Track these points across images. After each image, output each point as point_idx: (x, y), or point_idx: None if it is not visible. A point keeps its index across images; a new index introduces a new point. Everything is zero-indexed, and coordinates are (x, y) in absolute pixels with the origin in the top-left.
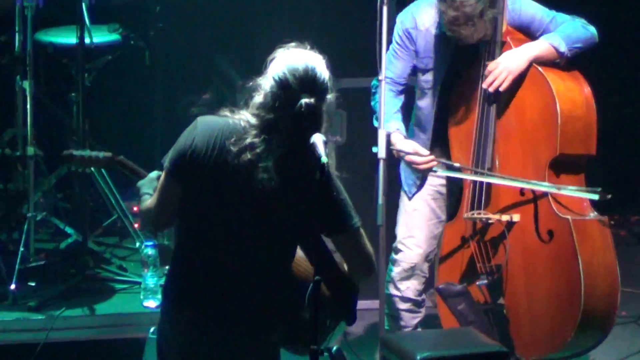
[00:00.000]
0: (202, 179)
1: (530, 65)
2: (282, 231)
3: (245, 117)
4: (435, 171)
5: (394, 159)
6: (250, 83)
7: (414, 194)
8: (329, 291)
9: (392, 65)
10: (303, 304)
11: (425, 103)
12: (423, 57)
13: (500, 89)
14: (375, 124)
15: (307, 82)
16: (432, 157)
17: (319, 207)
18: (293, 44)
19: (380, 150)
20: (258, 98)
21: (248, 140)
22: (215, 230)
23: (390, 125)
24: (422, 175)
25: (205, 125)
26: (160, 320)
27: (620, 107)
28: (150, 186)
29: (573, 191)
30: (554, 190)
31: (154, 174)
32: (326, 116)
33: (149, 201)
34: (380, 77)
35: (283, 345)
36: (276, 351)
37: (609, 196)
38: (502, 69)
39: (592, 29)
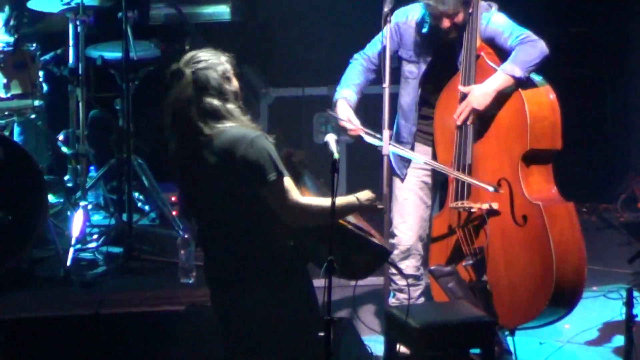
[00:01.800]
0: (180, 176)
1: (494, 98)
2: (218, 202)
3: None
4: (362, 138)
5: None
6: None
7: (405, 175)
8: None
9: (374, 46)
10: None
11: (408, 92)
12: (409, 48)
13: (468, 123)
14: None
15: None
16: (360, 126)
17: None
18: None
19: (384, 147)
20: None
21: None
22: (196, 214)
23: (342, 92)
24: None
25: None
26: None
27: (591, 109)
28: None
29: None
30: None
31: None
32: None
33: None
34: (384, 85)
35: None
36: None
37: (502, 192)
38: (469, 108)
39: (541, 45)
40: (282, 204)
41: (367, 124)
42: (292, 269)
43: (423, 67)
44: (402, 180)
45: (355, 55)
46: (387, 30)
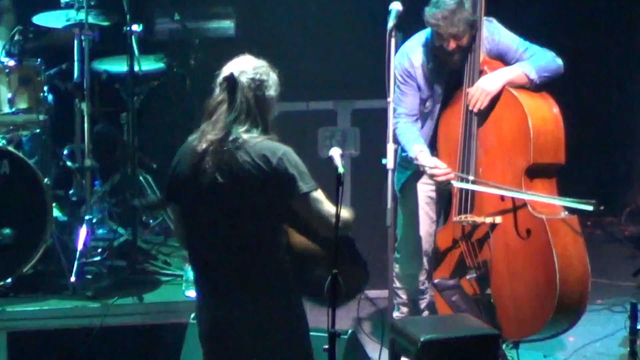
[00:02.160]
0: (186, 194)
1: (504, 87)
2: (245, 218)
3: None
4: (450, 184)
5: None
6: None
7: (400, 191)
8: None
9: (403, 103)
10: (314, 265)
11: (426, 127)
12: (423, 89)
13: (481, 108)
14: (404, 153)
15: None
16: (449, 169)
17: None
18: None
19: (389, 162)
20: None
21: (203, 146)
22: (206, 231)
23: (414, 148)
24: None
25: (183, 148)
26: (197, 312)
27: (595, 122)
28: None
29: (569, 202)
30: (553, 202)
31: None
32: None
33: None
34: (388, 99)
35: (309, 299)
36: (298, 312)
37: (602, 208)
38: (480, 91)
39: (560, 62)
40: (317, 214)
41: (372, 138)
42: (291, 283)
43: (437, 100)
44: (401, 192)
45: (395, 120)
46: (392, 43)
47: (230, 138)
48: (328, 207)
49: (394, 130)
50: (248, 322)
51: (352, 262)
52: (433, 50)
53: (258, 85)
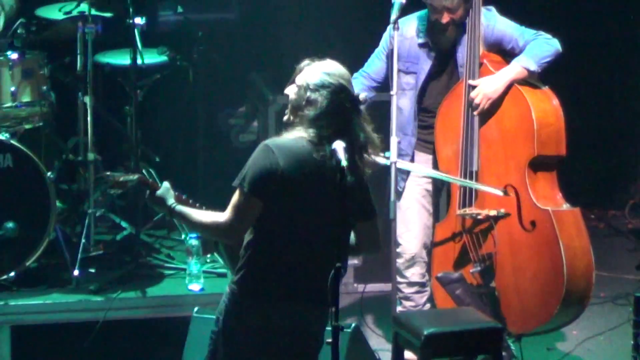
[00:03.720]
0: (288, 193)
1: (507, 88)
2: (341, 225)
3: (303, 134)
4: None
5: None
6: (283, 101)
7: (403, 188)
8: None
9: (373, 64)
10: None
11: (405, 103)
12: (405, 60)
13: (475, 113)
14: None
15: (349, 81)
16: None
17: (344, 201)
18: (311, 60)
19: (392, 155)
20: (314, 111)
21: (324, 150)
22: (298, 233)
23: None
24: (407, 176)
25: (282, 148)
26: (237, 313)
27: (598, 116)
28: (170, 195)
29: (486, 188)
30: (467, 185)
31: (166, 184)
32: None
33: (209, 217)
34: (392, 92)
35: None
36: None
37: (509, 194)
38: (482, 96)
39: (555, 42)
40: (377, 236)
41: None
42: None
43: (421, 76)
44: (401, 193)
45: (355, 74)
46: (395, 37)
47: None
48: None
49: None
50: (311, 334)
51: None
52: (428, 27)
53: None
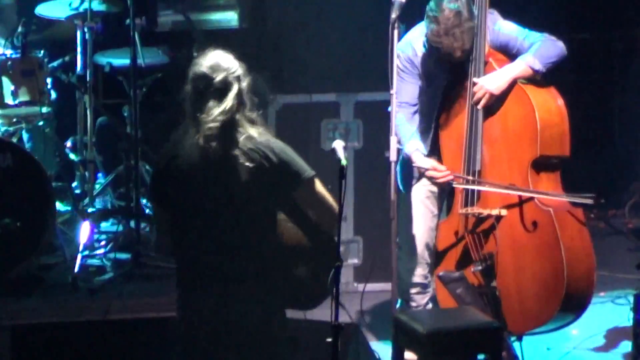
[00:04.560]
0: (183, 189)
1: (510, 85)
2: (242, 205)
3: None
4: (451, 184)
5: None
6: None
7: (407, 192)
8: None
9: (403, 91)
10: (295, 265)
11: (424, 118)
12: (423, 78)
13: (479, 107)
14: (400, 146)
15: (215, 67)
16: (448, 172)
17: (341, 202)
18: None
19: (392, 154)
20: (186, 101)
21: (190, 138)
22: (199, 225)
23: (410, 145)
24: (417, 177)
25: (165, 149)
26: (180, 310)
27: (598, 115)
28: None
29: (569, 197)
30: (556, 198)
31: None
32: (240, 94)
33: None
34: (391, 91)
35: (289, 306)
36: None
37: (603, 200)
38: (484, 90)
39: (561, 44)
40: (321, 199)
41: (375, 131)
42: (279, 272)
43: (438, 92)
44: (405, 194)
45: (397, 109)
46: (395, 36)
47: (233, 135)
48: (328, 194)
49: (394, 124)
50: (238, 317)
51: (331, 263)
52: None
53: (243, 79)
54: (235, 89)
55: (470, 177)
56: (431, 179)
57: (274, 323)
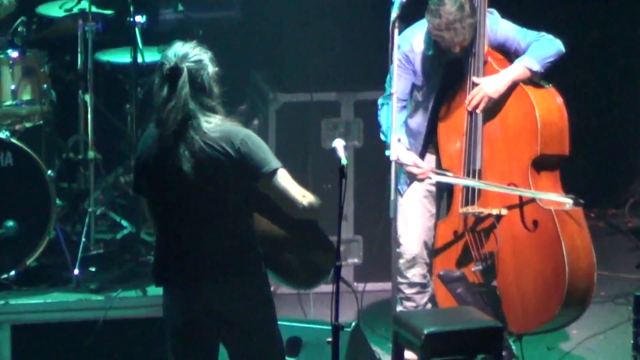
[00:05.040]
0: (153, 182)
1: (508, 88)
2: (211, 197)
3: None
4: (430, 178)
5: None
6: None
7: (404, 192)
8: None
9: (396, 86)
10: (281, 250)
11: (418, 115)
12: (419, 75)
13: (477, 111)
14: (382, 137)
15: (170, 54)
16: (427, 168)
17: (341, 201)
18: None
19: (392, 153)
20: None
21: (157, 131)
22: (171, 214)
23: (394, 136)
24: (411, 178)
25: (143, 141)
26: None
27: (598, 114)
28: None
29: (552, 196)
30: (531, 195)
31: None
32: (192, 82)
33: None
34: (392, 91)
35: (282, 282)
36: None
37: (582, 201)
38: (482, 94)
39: (558, 43)
40: (284, 192)
41: (375, 130)
42: (260, 264)
43: (432, 91)
44: (402, 195)
45: (381, 101)
46: (395, 36)
47: (189, 125)
48: (295, 187)
49: (379, 110)
50: (220, 308)
51: (320, 244)
52: (435, 41)
53: (201, 67)
54: (184, 76)
55: (449, 173)
56: (410, 174)
57: (257, 314)
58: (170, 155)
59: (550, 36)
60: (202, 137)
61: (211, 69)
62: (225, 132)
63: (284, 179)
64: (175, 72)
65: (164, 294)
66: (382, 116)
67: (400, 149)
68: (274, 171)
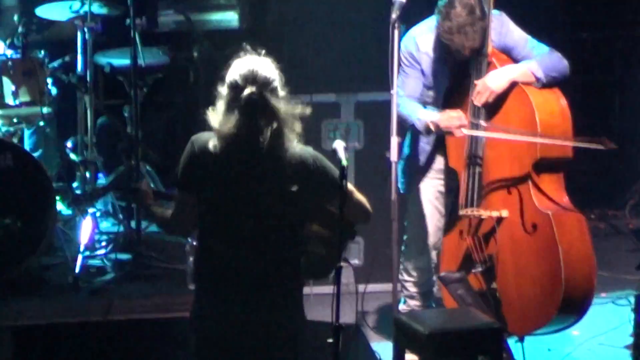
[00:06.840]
0: (211, 184)
1: (510, 85)
2: (276, 211)
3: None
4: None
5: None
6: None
7: (408, 192)
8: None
9: (405, 85)
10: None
11: None
12: (427, 75)
13: (478, 103)
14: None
15: (249, 77)
16: (462, 115)
17: (341, 203)
18: (247, 53)
19: (393, 155)
20: (219, 105)
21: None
22: (231, 225)
23: (420, 112)
24: (414, 178)
25: (200, 141)
26: (196, 306)
27: (599, 115)
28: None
29: (580, 143)
30: (559, 143)
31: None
32: (281, 111)
33: (167, 212)
34: (392, 92)
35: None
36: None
37: (614, 146)
38: (486, 88)
39: (566, 63)
40: (359, 204)
41: (375, 131)
42: (300, 284)
43: (442, 89)
44: (404, 193)
45: (400, 95)
46: (396, 36)
47: (263, 144)
48: (362, 197)
49: (397, 110)
50: (258, 322)
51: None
52: (442, 41)
53: (275, 92)
54: (270, 107)
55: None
56: (448, 132)
57: (293, 332)
58: (250, 165)
59: (560, 55)
60: (286, 154)
61: (285, 91)
62: (298, 151)
63: (354, 193)
64: (256, 100)
65: (199, 297)
66: (403, 109)
67: (431, 114)
68: (349, 189)
